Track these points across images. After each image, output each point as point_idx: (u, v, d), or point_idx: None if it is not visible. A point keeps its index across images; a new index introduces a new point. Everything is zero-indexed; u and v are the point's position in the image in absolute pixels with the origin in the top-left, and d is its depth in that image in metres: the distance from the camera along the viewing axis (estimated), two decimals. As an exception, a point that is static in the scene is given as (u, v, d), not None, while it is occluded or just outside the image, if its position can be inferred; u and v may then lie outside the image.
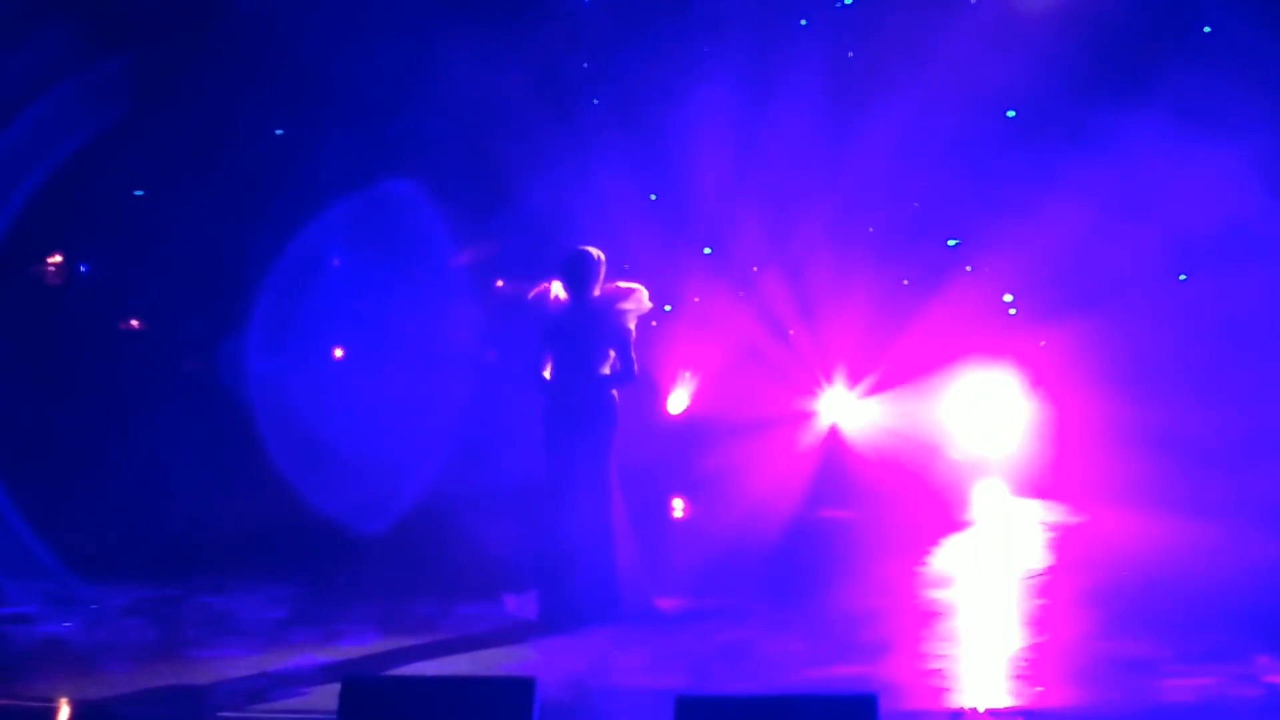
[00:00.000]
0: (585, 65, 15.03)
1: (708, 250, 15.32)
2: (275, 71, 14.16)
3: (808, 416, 15.34)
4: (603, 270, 9.84)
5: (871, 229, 14.97)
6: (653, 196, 15.21)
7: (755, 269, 15.28)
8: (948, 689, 8.20)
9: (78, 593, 10.55)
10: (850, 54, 14.85)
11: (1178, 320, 14.28)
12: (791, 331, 15.43)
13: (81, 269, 14.67)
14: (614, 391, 9.82)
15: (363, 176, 14.45)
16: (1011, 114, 14.71)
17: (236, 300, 14.21)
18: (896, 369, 15.07)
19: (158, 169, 14.24)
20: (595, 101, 15.15)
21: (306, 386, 14.44)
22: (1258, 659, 8.53)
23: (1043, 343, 14.99)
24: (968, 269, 14.97)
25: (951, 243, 15.17)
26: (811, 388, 15.37)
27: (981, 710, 7.77)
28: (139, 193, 14.54)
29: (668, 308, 14.87)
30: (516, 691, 5.48)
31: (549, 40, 14.80)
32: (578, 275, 9.79)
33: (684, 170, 14.94)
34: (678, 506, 14.32)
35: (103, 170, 13.91)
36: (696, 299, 15.33)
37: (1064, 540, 12.67)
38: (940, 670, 8.58)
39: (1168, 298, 14.45)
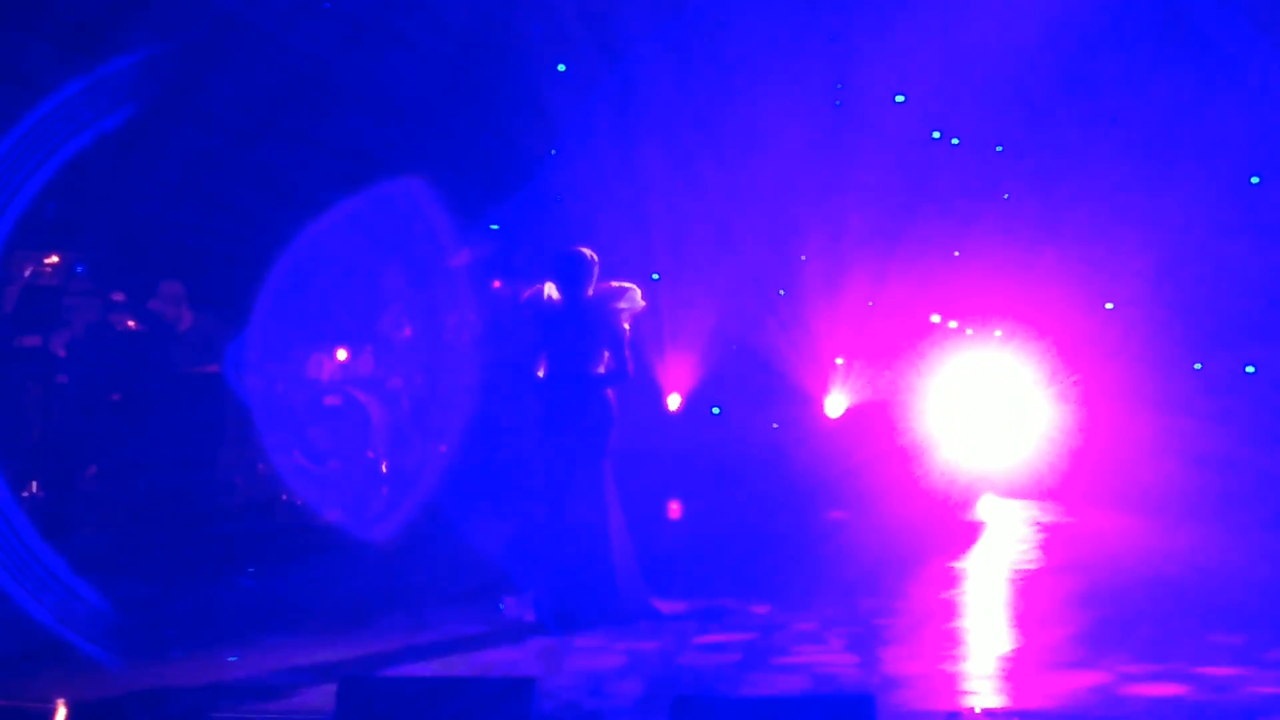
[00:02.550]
0: (583, 63, 15.00)
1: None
2: (271, 72, 14.14)
3: (805, 415, 15.31)
4: (596, 271, 9.85)
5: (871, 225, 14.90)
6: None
7: (751, 266, 15.23)
8: (945, 689, 8.20)
9: (76, 593, 10.54)
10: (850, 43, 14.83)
11: (1178, 320, 14.26)
12: (781, 292, 15.39)
13: (78, 269, 14.64)
14: (608, 391, 9.82)
15: (358, 177, 14.44)
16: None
17: (232, 301, 14.21)
18: (895, 367, 15.05)
19: (155, 167, 14.24)
20: (593, 100, 15.12)
21: (309, 389, 14.44)
22: (1258, 660, 8.54)
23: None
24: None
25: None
26: (809, 386, 15.34)
27: (978, 711, 7.77)
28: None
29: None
30: (515, 692, 5.49)
31: (546, 38, 14.80)
32: (571, 276, 9.79)
33: (681, 169, 14.93)
34: (674, 507, 14.30)
35: (101, 167, 13.91)
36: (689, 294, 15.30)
37: (1062, 541, 12.68)
38: (937, 671, 8.58)
39: (1166, 300, 14.40)
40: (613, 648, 9.08)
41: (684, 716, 5.34)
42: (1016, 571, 11.54)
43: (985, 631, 9.78)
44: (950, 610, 10.15)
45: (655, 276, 14.90)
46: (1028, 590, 10.91)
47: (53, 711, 7.93)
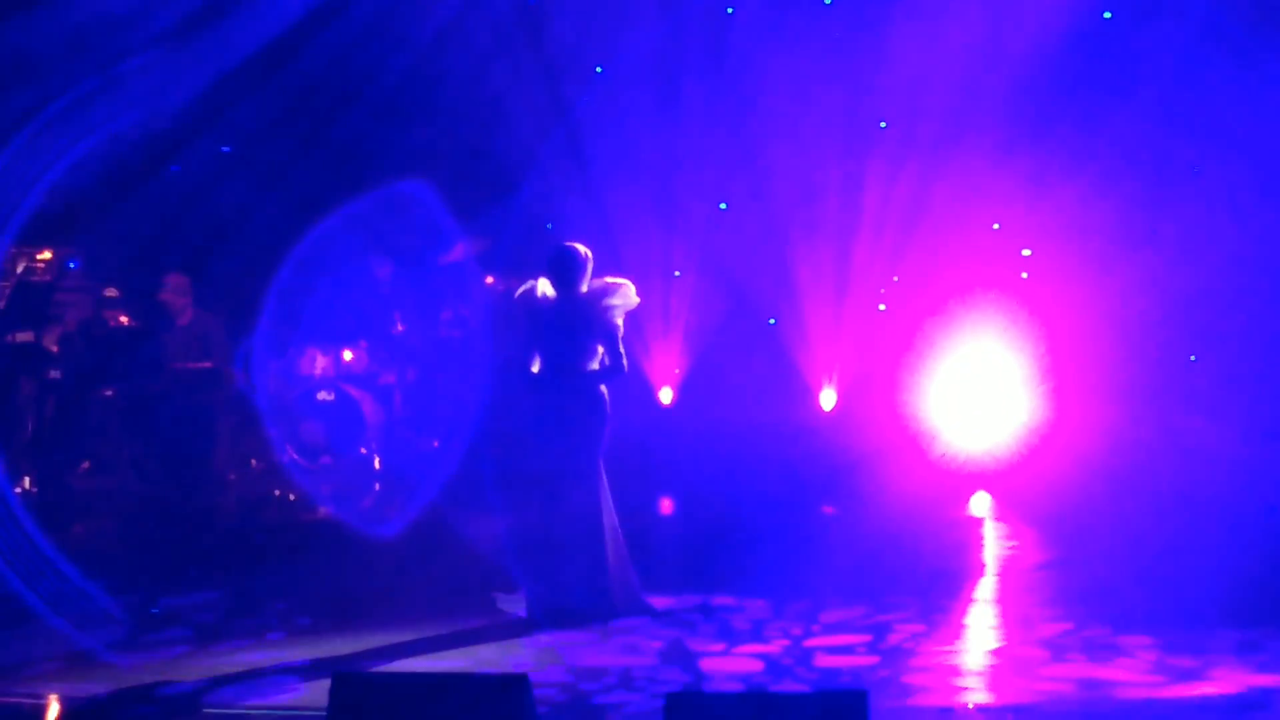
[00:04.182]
0: (578, 60, 15.00)
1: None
2: (265, 70, 14.15)
3: (797, 409, 15.31)
4: (590, 266, 9.86)
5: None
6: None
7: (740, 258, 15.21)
8: (938, 685, 8.22)
9: (76, 589, 10.56)
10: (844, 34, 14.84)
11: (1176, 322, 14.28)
12: (772, 320, 15.39)
13: (71, 265, 14.66)
14: (602, 387, 9.84)
15: (352, 173, 14.47)
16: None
17: (226, 298, 14.23)
18: (890, 359, 15.04)
19: (149, 164, 14.26)
20: (588, 97, 15.14)
21: (302, 385, 14.47)
22: (1255, 655, 8.58)
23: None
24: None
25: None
26: (801, 380, 15.35)
27: (971, 706, 7.79)
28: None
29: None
30: (509, 688, 5.49)
31: (542, 34, 14.81)
32: (564, 272, 9.80)
33: (675, 166, 14.94)
34: (666, 503, 14.30)
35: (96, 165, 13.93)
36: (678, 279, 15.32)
37: (1056, 536, 12.66)
38: (931, 666, 8.60)
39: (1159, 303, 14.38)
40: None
41: (676, 713, 5.34)
42: (1010, 566, 11.55)
43: (979, 627, 9.79)
44: (943, 605, 10.14)
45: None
46: (1022, 585, 10.91)
47: (41, 709, 7.94)
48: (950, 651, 9.01)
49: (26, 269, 14.46)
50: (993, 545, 12.58)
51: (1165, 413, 13.75)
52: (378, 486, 14.14)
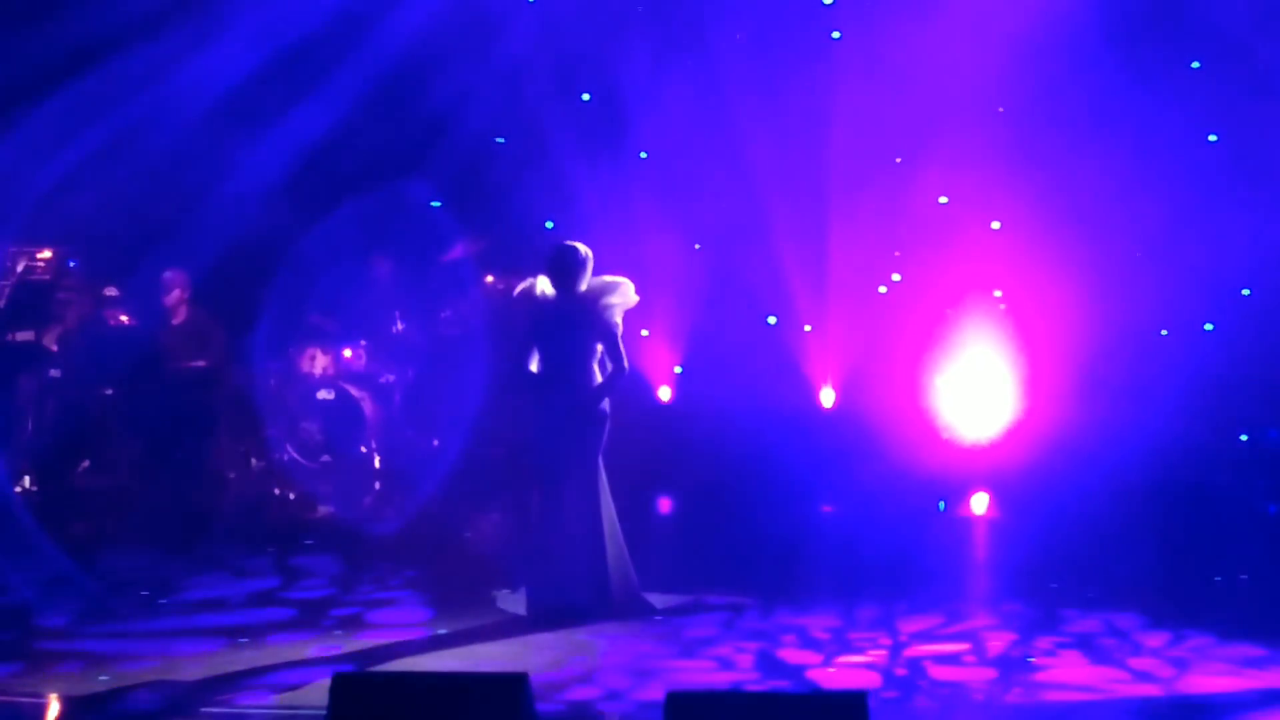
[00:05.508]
0: (576, 57, 15.00)
1: (697, 246, 15.27)
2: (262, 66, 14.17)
3: (796, 406, 15.29)
4: (589, 265, 9.87)
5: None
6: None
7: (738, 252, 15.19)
8: (938, 684, 8.22)
9: (72, 583, 10.58)
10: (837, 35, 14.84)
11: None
12: (772, 319, 15.39)
13: (71, 265, 14.67)
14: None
15: (352, 172, 14.47)
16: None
17: (225, 297, 14.24)
18: (889, 357, 15.02)
19: (147, 161, 14.27)
20: (586, 96, 15.14)
21: (302, 384, 14.47)
22: (1263, 656, 8.59)
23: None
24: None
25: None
26: (800, 378, 15.34)
27: (974, 704, 7.81)
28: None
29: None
30: (508, 687, 5.49)
31: (539, 32, 14.82)
32: (564, 271, 9.81)
33: (671, 164, 14.94)
34: (664, 502, 14.29)
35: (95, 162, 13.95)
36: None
37: (1059, 533, 12.64)
38: (931, 665, 8.60)
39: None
40: (605, 642, 9.06)
41: (676, 712, 5.34)
42: (1010, 564, 11.54)
43: (978, 624, 9.78)
44: (942, 602, 10.13)
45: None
46: (1023, 583, 10.89)
47: (41, 708, 7.94)
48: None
49: (26, 268, 14.47)
50: (993, 542, 12.55)
51: (1164, 412, 13.73)
52: (378, 485, 14.14)
